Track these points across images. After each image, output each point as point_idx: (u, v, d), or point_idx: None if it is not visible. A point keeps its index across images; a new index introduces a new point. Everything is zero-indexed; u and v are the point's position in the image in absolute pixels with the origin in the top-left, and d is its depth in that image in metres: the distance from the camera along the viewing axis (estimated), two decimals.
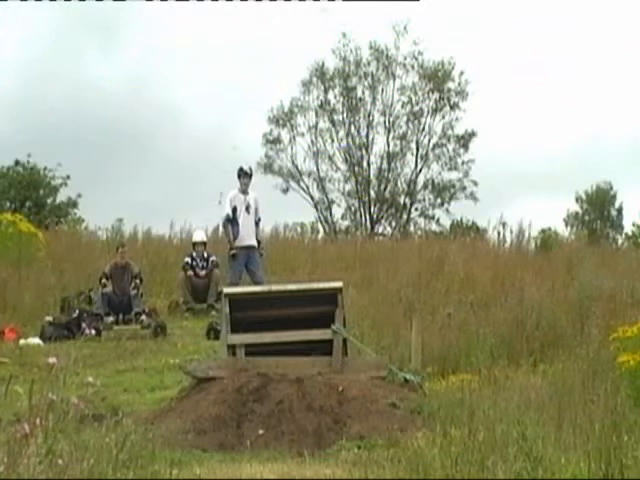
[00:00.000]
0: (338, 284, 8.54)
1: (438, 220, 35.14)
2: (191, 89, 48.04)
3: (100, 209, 36.37)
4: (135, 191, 43.18)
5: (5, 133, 38.38)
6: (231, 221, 13.15)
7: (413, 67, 35.13)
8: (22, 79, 46.25)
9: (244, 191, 13.35)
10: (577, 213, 40.86)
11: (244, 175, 13.37)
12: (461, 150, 35.16)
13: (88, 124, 41.27)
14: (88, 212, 27.39)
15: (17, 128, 40.92)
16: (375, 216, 35.33)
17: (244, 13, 52.10)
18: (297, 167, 35.52)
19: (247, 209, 13.25)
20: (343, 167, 35.55)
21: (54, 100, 44.40)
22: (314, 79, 35.56)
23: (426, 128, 35.19)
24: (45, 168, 25.95)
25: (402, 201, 35.60)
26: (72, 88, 44.67)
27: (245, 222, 13.21)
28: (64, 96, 44.27)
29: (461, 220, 32.18)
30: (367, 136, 35.35)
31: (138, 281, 14.00)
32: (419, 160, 35.32)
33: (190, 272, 14.90)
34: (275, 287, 9.06)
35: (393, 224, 35.60)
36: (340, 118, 35.39)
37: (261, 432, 7.15)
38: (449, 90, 35.04)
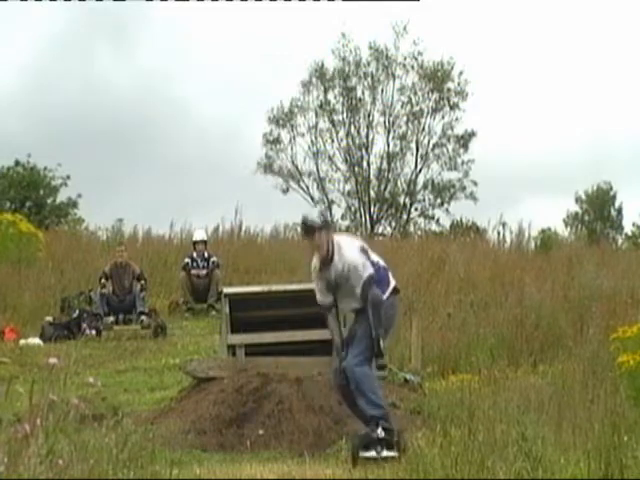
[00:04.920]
0: None
1: (438, 220, 35.16)
2: (192, 90, 48.07)
3: (100, 209, 36.42)
4: (135, 191, 43.21)
5: (11, 133, 38.38)
6: None
7: (413, 67, 35.14)
8: (31, 78, 46.37)
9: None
10: (577, 213, 40.86)
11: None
12: (461, 150, 35.16)
13: (90, 124, 41.36)
14: (88, 212, 27.41)
15: (24, 128, 41.01)
16: (375, 216, 35.33)
17: (243, 13, 52.07)
18: (297, 167, 35.54)
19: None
20: (343, 167, 35.55)
21: (59, 100, 44.45)
22: (314, 79, 35.56)
23: (426, 128, 35.20)
24: (45, 168, 25.98)
25: (402, 201, 35.61)
26: (77, 89, 44.78)
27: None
28: (68, 96, 44.33)
29: (461, 220, 32.17)
30: (367, 136, 35.36)
31: (144, 282, 14.02)
32: (419, 160, 35.34)
33: (194, 271, 14.88)
34: (275, 287, 9.06)
35: (393, 224, 35.62)
36: (340, 118, 35.41)
37: (261, 432, 7.16)
38: (449, 90, 35.03)
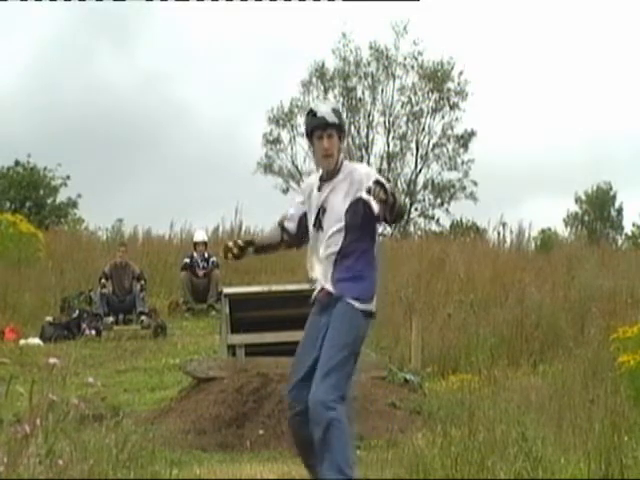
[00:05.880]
0: None
1: (438, 220, 35.14)
2: (193, 90, 48.07)
3: (100, 209, 36.42)
4: (135, 191, 43.22)
5: (11, 133, 38.41)
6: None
7: (413, 67, 35.15)
8: (31, 78, 46.38)
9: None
10: (577, 213, 40.87)
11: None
12: (461, 150, 35.17)
13: (90, 124, 41.34)
14: (88, 212, 27.41)
15: (24, 128, 41.03)
16: None
17: (243, 13, 52.08)
18: (297, 167, 35.53)
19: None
20: None
21: (59, 101, 44.47)
22: (314, 79, 35.59)
23: (426, 128, 35.20)
24: (45, 168, 25.98)
25: (402, 201, 35.56)
26: (77, 89, 44.77)
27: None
28: (68, 97, 44.35)
29: (461, 220, 32.16)
30: (367, 136, 35.37)
31: (143, 282, 14.02)
32: (419, 160, 35.33)
33: (196, 271, 14.87)
34: (275, 287, 9.07)
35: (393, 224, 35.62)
36: None
37: (261, 432, 7.16)
38: (449, 90, 35.04)
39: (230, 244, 4.83)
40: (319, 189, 4.76)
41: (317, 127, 4.71)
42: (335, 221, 4.63)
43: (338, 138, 4.73)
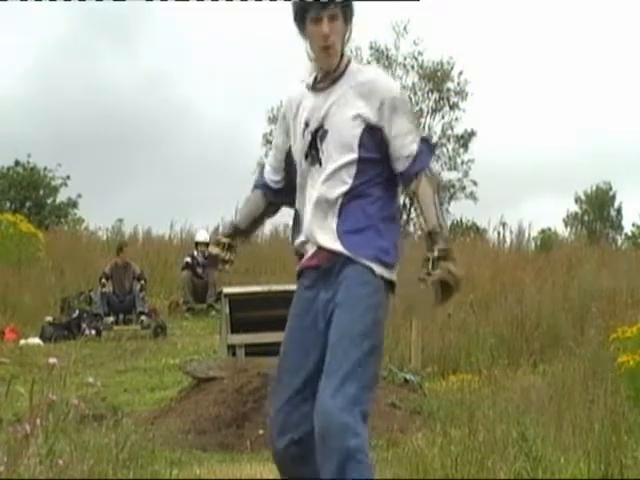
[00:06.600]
0: None
1: None
2: (193, 90, 48.11)
3: (100, 209, 36.45)
4: (135, 191, 43.23)
5: (11, 133, 38.44)
6: None
7: (413, 67, 35.16)
8: (32, 79, 46.45)
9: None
10: (577, 213, 40.89)
11: None
12: (461, 150, 35.16)
13: (91, 124, 41.38)
14: (88, 212, 27.42)
15: (24, 128, 41.05)
16: None
17: (243, 13, 52.10)
18: None
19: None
20: None
21: (59, 101, 44.51)
22: None
23: (426, 128, 35.19)
24: (45, 168, 25.99)
25: (402, 201, 35.63)
26: (77, 89, 44.80)
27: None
28: (69, 97, 44.38)
29: (461, 220, 32.17)
30: None
31: (143, 282, 14.02)
32: None
33: (196, 270, 14.86)
34: (275, 287, 9.07)
35: None
36: None
37: (261, 432, 7.16)
38: (448, 90, 35.04)
39: (215, 251, 3.49)
40: (314, 98, 3.22)
41: (312, 6, 3.18)
42: (342, 150, 3.12)
43: (344, 21, 3.26)
